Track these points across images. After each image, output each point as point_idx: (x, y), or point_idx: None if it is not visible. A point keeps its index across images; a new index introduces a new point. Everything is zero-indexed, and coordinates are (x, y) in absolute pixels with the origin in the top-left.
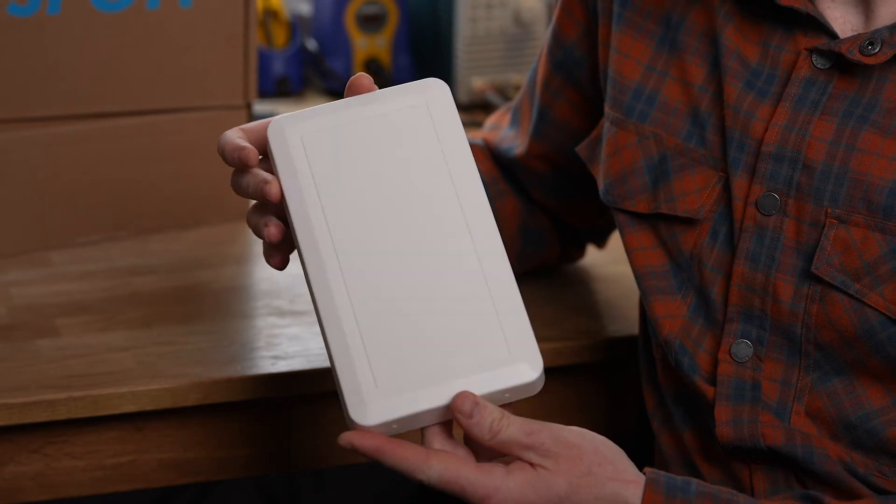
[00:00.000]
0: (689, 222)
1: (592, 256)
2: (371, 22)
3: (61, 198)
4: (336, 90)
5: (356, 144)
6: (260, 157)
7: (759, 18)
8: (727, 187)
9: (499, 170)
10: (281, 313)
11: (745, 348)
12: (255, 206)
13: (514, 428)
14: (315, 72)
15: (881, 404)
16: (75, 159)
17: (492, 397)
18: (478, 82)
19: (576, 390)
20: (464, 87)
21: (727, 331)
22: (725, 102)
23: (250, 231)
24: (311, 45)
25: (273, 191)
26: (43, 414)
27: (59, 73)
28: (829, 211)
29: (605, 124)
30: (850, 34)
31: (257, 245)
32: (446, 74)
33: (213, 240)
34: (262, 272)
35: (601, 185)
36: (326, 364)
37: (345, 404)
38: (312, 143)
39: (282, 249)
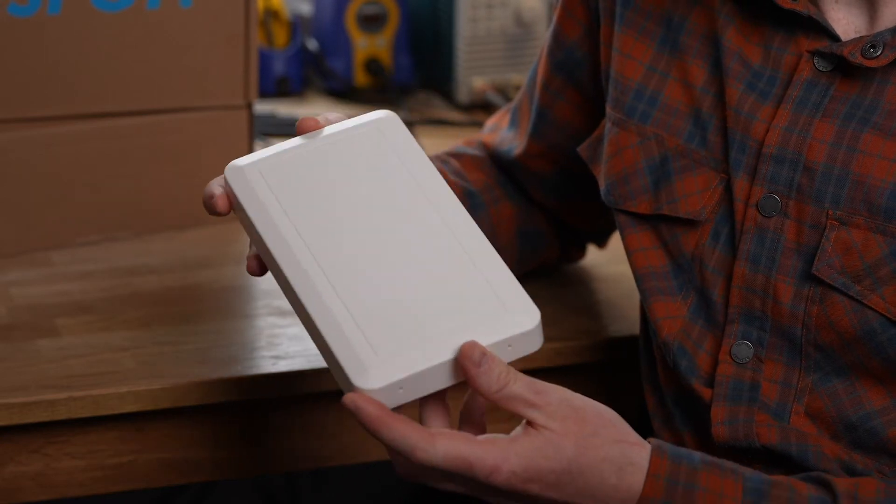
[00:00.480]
0: (690, 223)
1: (592, 256)
2: (372, 22)
3: (61, 198)
4: (337, 90)
5: (315, 168)
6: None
7: (761, 20)
8: (729, 189)
9: (494, 176)
10: (281, 313)
11: (745, 349)
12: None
13: (522, 384)
14: (316, 72)
15: (882, 405)
16: (75, 159)
17: (494, 350)
18: (478, 82)
19: (576, 390)
20: (464, 87)
21: (728, 332)
22: (727, 104)
23: None
24: (312, 45)
25: (219, 205)
26: (43, 414)
27: (60, 73)
28: (830, 213)
29: (607, 125)
30: (852, 35)
31: None
32: (446, 74)
33: (214, 240)
34: None
35: (602, 186)
36: (327, 364)
37: (346, 377)
38: (272, 175)
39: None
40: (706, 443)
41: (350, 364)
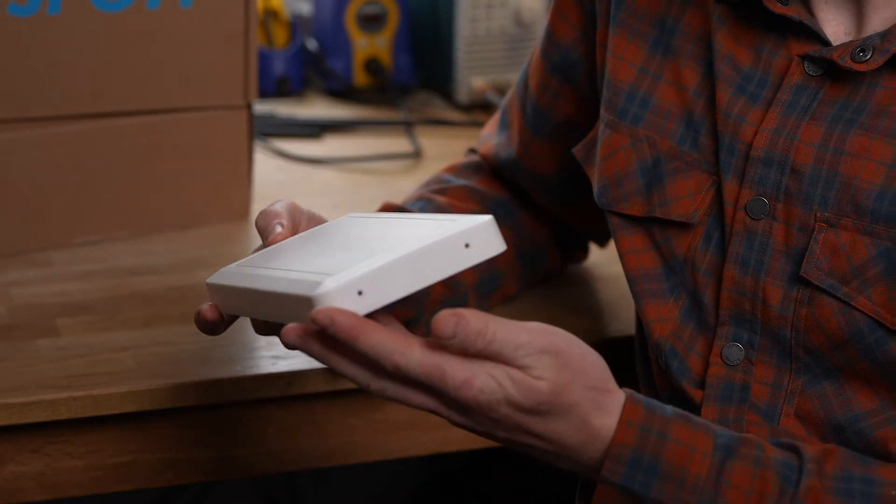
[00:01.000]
0: (683, 226)
1: (592, 256)
2: (371, 22)
3: (61, 197)
4: (336, 90)
5: None
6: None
7: (752, 24)
8: (720, 191)
9: (482, 202)
10: None
11: (736, 351)
12: (265, 210)
13: (501, 342)
14: (315, 72)
15: (870, 407)
16: (75, 159)
17: (451, 254)
18: (478, 82)
19: None
20: (464, 87)
21: (719, 334)
22: (717, 106)
23: (250, 231)
24: (312, 44)
25: (208, 316)
26: (43, 414)
27: (60, 72)
28: (818, 215)
29: (600, 126)
30: (842, 37)
31: (257, 244)
32: (446, 74)
33: (213, 239)
34: None
35: (595, 188)
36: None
37: (303, 298)
38: None
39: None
40: None
41: (305, 286)
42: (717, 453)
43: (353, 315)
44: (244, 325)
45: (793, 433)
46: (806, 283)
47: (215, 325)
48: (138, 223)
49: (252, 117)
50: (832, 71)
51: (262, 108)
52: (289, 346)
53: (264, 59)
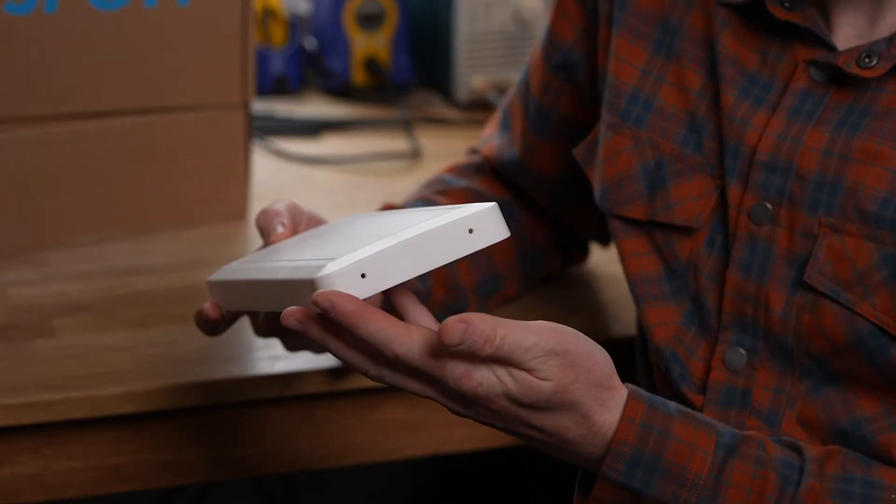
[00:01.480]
0: (685, 230)
1: (593, 257)
2: (370, 21)
3: (58, 197)
4: (335, 89)
5: None
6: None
7: (757, 27)
8: (724, 195)
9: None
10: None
11: (738, 357)
12: (266, 209)
13: (509, 347)
14: (314, 71)
15: (873, 412)
16: (72, 158)
17: (456, 241)
18: (478, 81)
19: None
20: (463, 86)
21: (721, 339)
22: (721, 109)
23: (249, 231)
24: (310, 43)
25: (210, 314)
26: (41, 415)
27: (56, 71)
28: (822, 220)
29: (601, 128)
30: (853, 40)
31: (256, 244)
32: (445, 73)
33: (212, 239)
34: None
35: (597, 190)
36: (326, 364)
37: (306, 281)
38: None
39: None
40: None
41: (307, 270)
42: (719, 452)
43: (353, 300)
44: (243, 325)
45: (795, 438)
46: (809, 289)
47: (217, 324)
48: (136, 223)
49: (250, 116)
50: (838, 76)
51: (260, 107)
52: (289, 328)
53: (262, 58)
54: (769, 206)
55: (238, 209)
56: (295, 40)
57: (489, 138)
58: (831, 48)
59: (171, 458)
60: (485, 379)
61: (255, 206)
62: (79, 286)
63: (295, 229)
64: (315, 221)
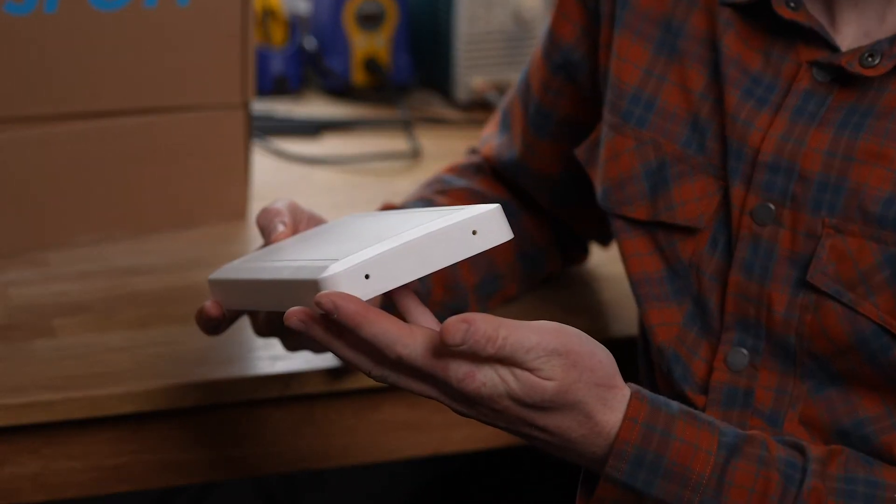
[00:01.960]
0: (688, 231)
1: (594, 257)
2: (370, 21)
3: (58, 197)
4: (335, 89)
5: None
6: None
7: (760, 27)
8: (727, 196)
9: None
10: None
11: (741, 357)
12: (266, 208)
13: (511, 347)
14: (314, 71)
15: (876, 412)
16: (72, 158)
17: (459, 242)
18: (477, 81)
19: None
20: (463, 86)
21: (724, 339)
22: (724, 110)
23: (248, 231)
24: (310, 43)
25: (212, 312)
26: (40, 415)
27: (56, 71)
28: (826, 220)
29: (604, 129)
30: (860, 39)
31: (256, 244)
32: (445, 73)
33: (211, 239)
34: None
35: (598, 190)
36: (326, 364)
37: (310, 282)
38: None
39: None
40: None
41: (310, 271)
42: (722, 452)
43: (357, 301)
44: (243, 325)
45: (797, 438)
46: (811, 289)
47: (217, 323)
48: (136, 223)
49: (250, 116)
50: (841, 77)
51: (260, 107)
52: (291, 328)
53: (262, 58)
54: (772, 206)
55: (238, 209)
56: (295, 40)
57: (489, 138)
58: (834, 49)
59: (171, 458)
60: (488, 379)
61: (255, 206)
62: (79, 286)
63: (295, 228)
64: (315, 221)
